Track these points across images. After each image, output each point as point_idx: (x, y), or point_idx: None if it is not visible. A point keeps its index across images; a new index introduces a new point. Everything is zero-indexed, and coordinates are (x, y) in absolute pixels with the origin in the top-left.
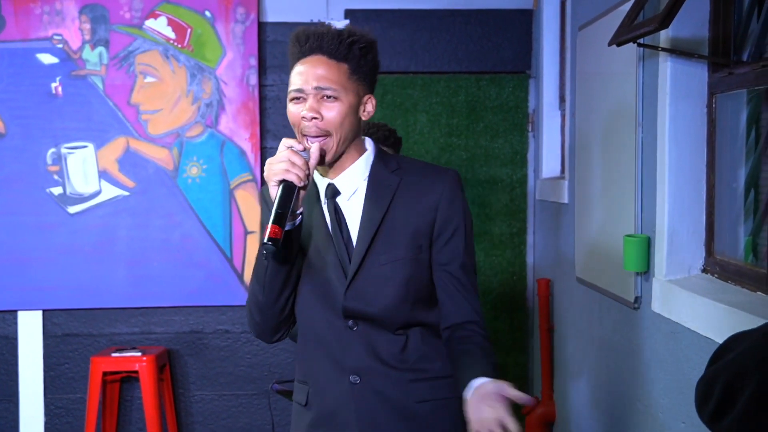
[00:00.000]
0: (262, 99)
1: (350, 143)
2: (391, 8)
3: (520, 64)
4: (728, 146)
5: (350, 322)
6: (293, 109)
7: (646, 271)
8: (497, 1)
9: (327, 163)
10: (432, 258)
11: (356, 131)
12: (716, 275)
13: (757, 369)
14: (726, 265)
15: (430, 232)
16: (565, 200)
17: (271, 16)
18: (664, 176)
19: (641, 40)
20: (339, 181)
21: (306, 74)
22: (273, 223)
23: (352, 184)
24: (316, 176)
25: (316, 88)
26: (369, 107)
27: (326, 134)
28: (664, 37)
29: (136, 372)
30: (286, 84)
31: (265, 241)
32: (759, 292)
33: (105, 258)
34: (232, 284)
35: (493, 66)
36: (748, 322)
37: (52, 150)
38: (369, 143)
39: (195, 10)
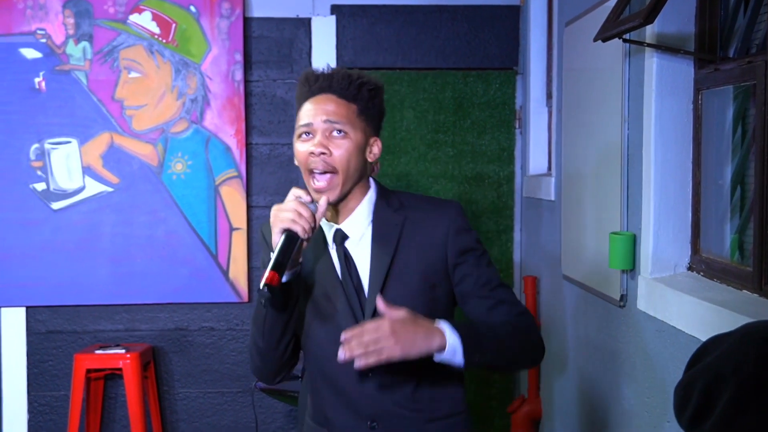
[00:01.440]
0: (247, 95)
1: (355, 184)
2: (378, 4)
3: (507, 60)
4: (714, 143)
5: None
6: (301, 148)
7: (631, 269)
8: None
9: (332, 202)
10: (457, 290)
11: (361, 173)
12: (702, 273)
13: (734, 373)
14: (712, 263)
15: (444, 268)
16: (552, 197)
17: (257, 12)
18: (650, 173)
19: (627, 36)
20: (346, 226)
21: (315, 110)
22: (271, 269)
23: (359, 228)
24: (323, 221)
25: (326, 121)
26: (375, 149)
27: (333, 171)
28: (650, 32)
29: (120, 369)
30: (272, 80)
31: (261, 287)
32: (745, 291)
33: (89, 254)
34: (218, 281)
35: (480, 62)
36: (734, 320)
37: (36, 145)
38: (371, 182)
39: (180, 5)
